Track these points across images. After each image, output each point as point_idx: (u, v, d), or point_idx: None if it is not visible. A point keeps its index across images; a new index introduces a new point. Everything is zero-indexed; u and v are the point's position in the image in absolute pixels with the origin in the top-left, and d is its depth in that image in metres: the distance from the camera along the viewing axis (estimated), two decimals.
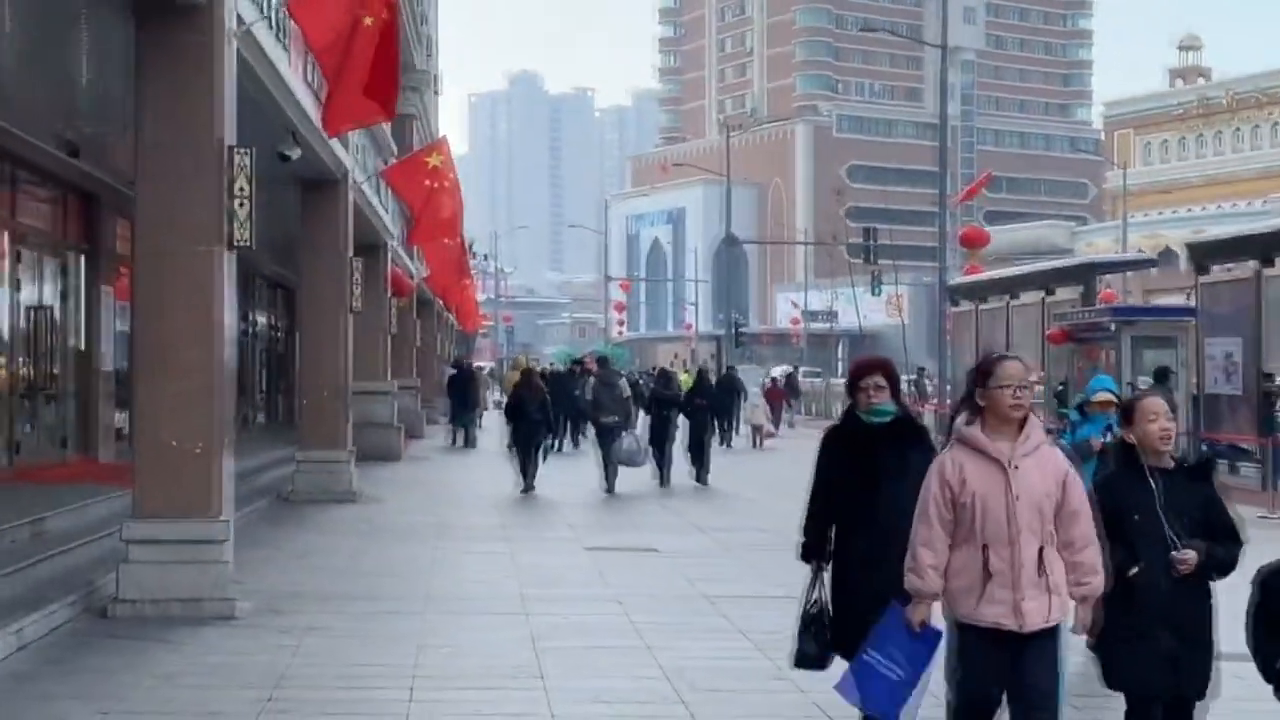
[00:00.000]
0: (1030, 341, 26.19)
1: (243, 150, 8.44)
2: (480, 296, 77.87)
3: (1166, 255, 68.76)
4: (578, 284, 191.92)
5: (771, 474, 21.75)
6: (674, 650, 7.53)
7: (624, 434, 17.18)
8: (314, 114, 12.77)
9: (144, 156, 8.37)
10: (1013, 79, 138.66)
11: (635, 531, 13.30)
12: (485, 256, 75.67)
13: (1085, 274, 24.22)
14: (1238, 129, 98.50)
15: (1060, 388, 22.17)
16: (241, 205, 8.40)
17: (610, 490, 16.94)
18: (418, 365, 32.84)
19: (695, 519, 14.38)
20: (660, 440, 18.31)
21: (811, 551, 5.57)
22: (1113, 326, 21.52)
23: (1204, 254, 20.49)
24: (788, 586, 10.08)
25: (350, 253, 15.80)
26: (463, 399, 28.06)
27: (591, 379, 19.31)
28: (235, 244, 8.44)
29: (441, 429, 32.83)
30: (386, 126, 21.15)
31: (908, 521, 4.59)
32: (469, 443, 27.04)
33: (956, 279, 32.27)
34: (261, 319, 27.58)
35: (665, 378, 20.14)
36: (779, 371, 47.35)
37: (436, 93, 41.00)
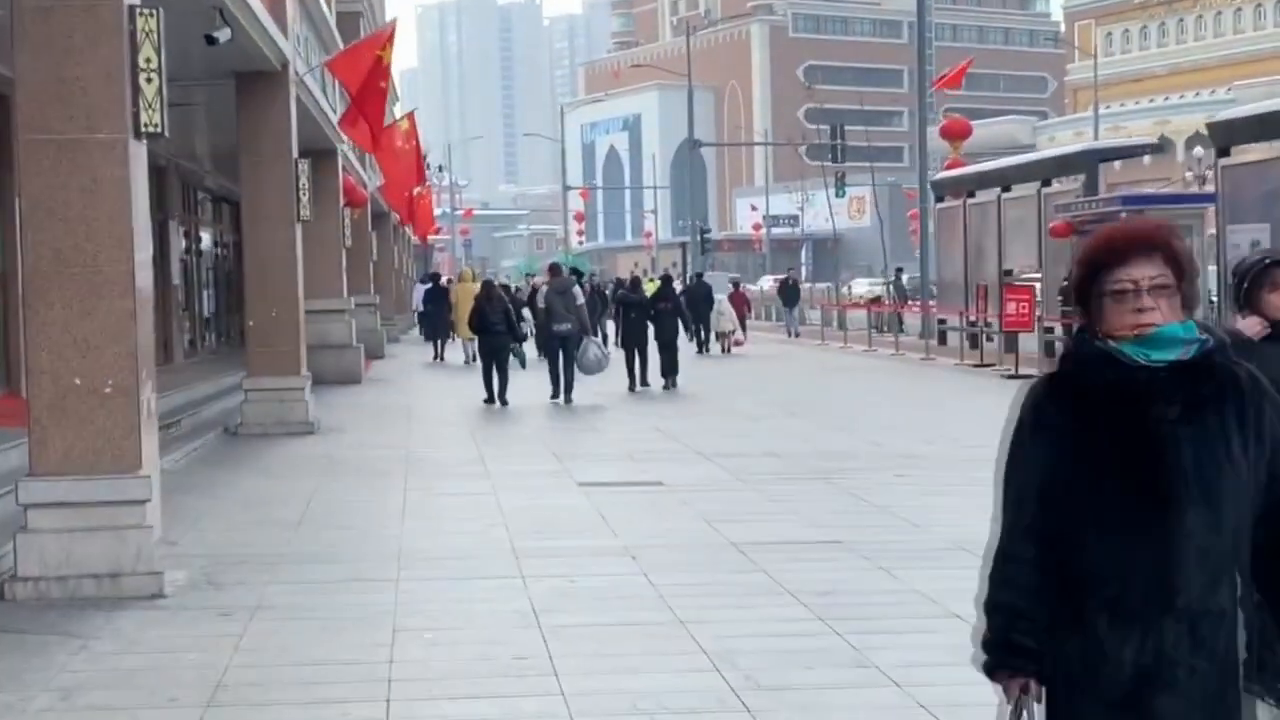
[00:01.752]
0: (1026, 236, 24.74)
1: (148, 11, 6.68)
2: (436, 210, 75.55)
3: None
4: (533, 195, 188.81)
5: (756, 384, 20.33)
6: (715, 625, 6.02)
7: (587, 342, 16.99)
8: None
9: (22, 20, 6.59)
10: None
11: (631, 461, 11.78)
12: (440, 168, 73.19)
13: (1087, 162, 22.70)
14: (1200, 16, 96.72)
15: (1066, 283, 20.80)
16: (149, 81, 6.68)
17: (568, 401, 16.73)
18: (376, 281, 31.03)
19: (694, 442, 12.88)
20: (631, 344, 19.06)
21: (1018, 654, 2.59)
22: (1123, 216, 20.05)
23: (1226, 134, 18.98)
24: (825, 528, 8.45)
25: (295, 155, 13.99)
26: (438, 314, 27.25)
27: (544, 287, 18.71)
28: (144, 130, 6.71)
29: (402, 347, 31.19)
30: (332, 19, 19.21)
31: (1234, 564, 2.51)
32: (440, 357, 26.47)
33: (939, 174, 30.67)
34: (206, 236, 25.66)
35: (635, 283, 20.97)
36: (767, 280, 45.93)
37: None
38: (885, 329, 31.10)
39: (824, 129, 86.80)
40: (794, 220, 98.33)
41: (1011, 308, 20.25)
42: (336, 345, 20.50)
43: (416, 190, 34.86)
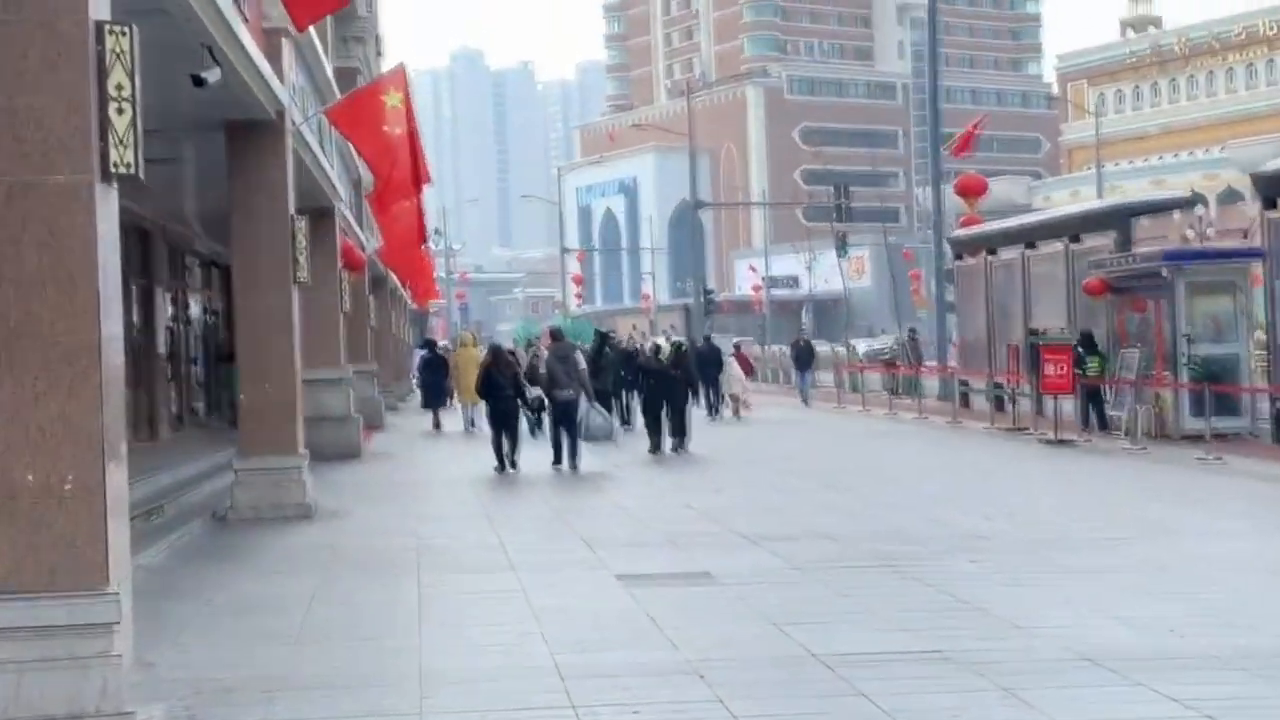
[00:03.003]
0: (1053, 295, 23.66)
1: (119, 29, 5.53)
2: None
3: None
4: (528, 259, 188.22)
5: (782, 452, 19.13)
6: None
7: (589, 409, 16.79)
8: (237, 23, 9.84)
9: None
10: (962, 34, 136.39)
11: (670, 547, 10.53)
12: (436, 231, 72.33)
13: (1118, 218, 21.64)
14: (1192, 76, 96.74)
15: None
16: (121, 112, 5.51)
17: (574, 469, 16.48)
18: (374, 348, 29.87)
19: (733, 522, 11.64)
20: (654, 409, 19.24)
21: None
22: (1164, 272, 18.99)
23: (1274, 186, 17.97)
24: (916, 633, 7.07)
25: (293, 211, 12.85)
26: (436, 382, 26.71)
27: (545, 352, 18.46)
28: (114, 170, 5.54)
29: (401, 416, 29.98)
30: (329, 69, 18.20)
31: None
32: (438, 425, 25.62)
33: (956, 231, 29.65)
34: (195, 303, 24.51)
35: (655, 349, 20.81)
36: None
37: (379, 54, 37.88)
38: (900, 391, 29.89)
39: (821, 190, 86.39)
40: (794, 281, 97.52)
41: (1050, 369, 19.09)
42: (335, 417, 19.29)
43: (427, 254, 33.74)
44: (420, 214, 19.47)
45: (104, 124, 5.48)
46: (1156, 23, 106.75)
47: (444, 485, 16.04)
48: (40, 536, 5.50)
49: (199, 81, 9.44)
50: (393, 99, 12.76)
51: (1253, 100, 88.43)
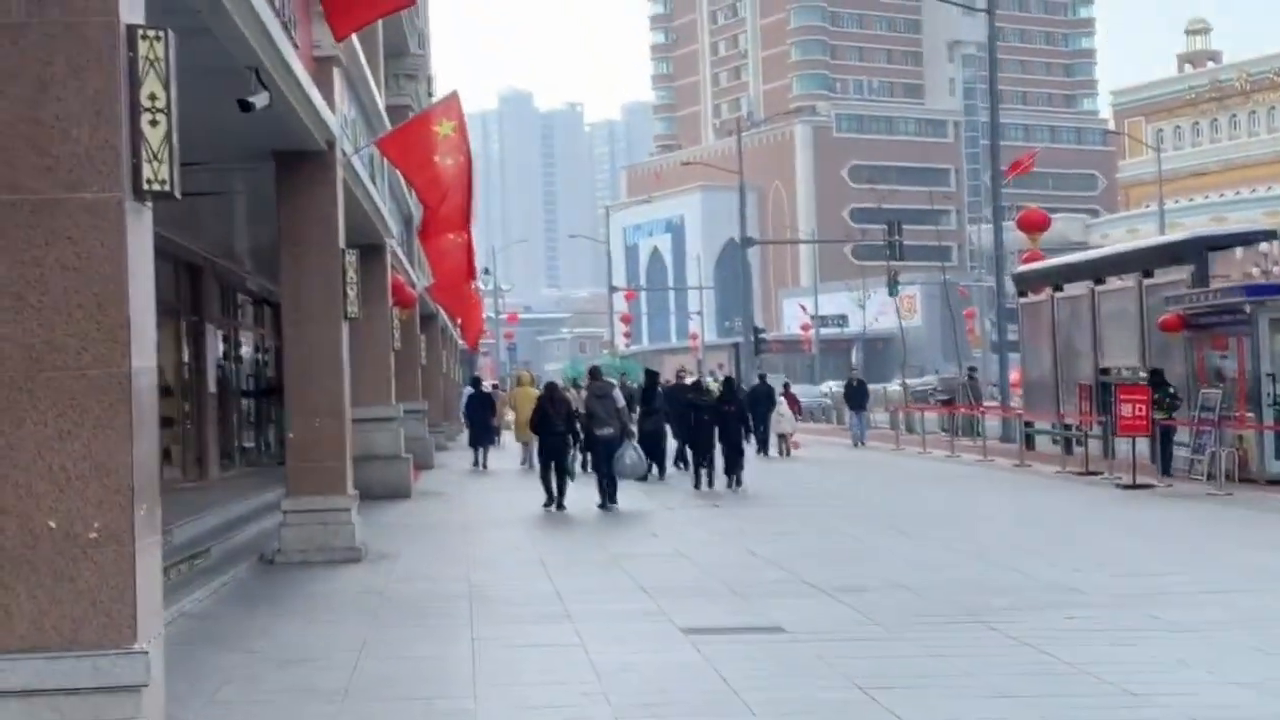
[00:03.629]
0: (1125, 332, 22.88)
1: (154, 33, 5.07)
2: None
3: None
4: (575, 299, 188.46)
5: (841, 493, 18.48)
6: None
7: (626, 446, 16.92)
8: (286, 47, 9.42)
9: None
10: (1014, 70, 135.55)
11: (736, 597, 9.90)
12: (485, 270, 72.28)
13: (1194, 251, 20.84)
14: (1253, 111, 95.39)
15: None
16: (155, 124, 5.04)
17: (612, 504, 16.59)
18: (424, 386, 29.48)
19: (800, 569, 11.00)
20: (701, 446, 19.56)
21: None
22: (1247, 308, 18.20)
23: None
24: (1022, 700, 6.42)
25: (343, 244, 12.43)
26: (482, 420, 26.66)
27: (584, 391, 18.50)
28: (147, 188, 5.06)
29: (451, 455, 29.54)
30: (381, 103, 17.87)
31: None
32: (483, 465, 25.50)
33: (1021, 267, 28.90)
34: (247, 340, 24.23)
35: (697, 385, 21.53)
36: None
37: (430, 93, 37.77)
38: (959, 432, 29.06)
39: (869, 228, 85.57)
40: (842, 320, 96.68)
41: (1127, 410, 18.29)
42: (384, 456, 18.85)
43: (476, 294, 33.47)
44: (470, 250, 19.03)
45: (135, 137, 5.01)
46: (1215, 57, 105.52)
47: (495, 526, 15.51)
48: (63, 589, 5.00)
49: (246, 106, 9.02)
50: (445, 128, 12.32)
51: None
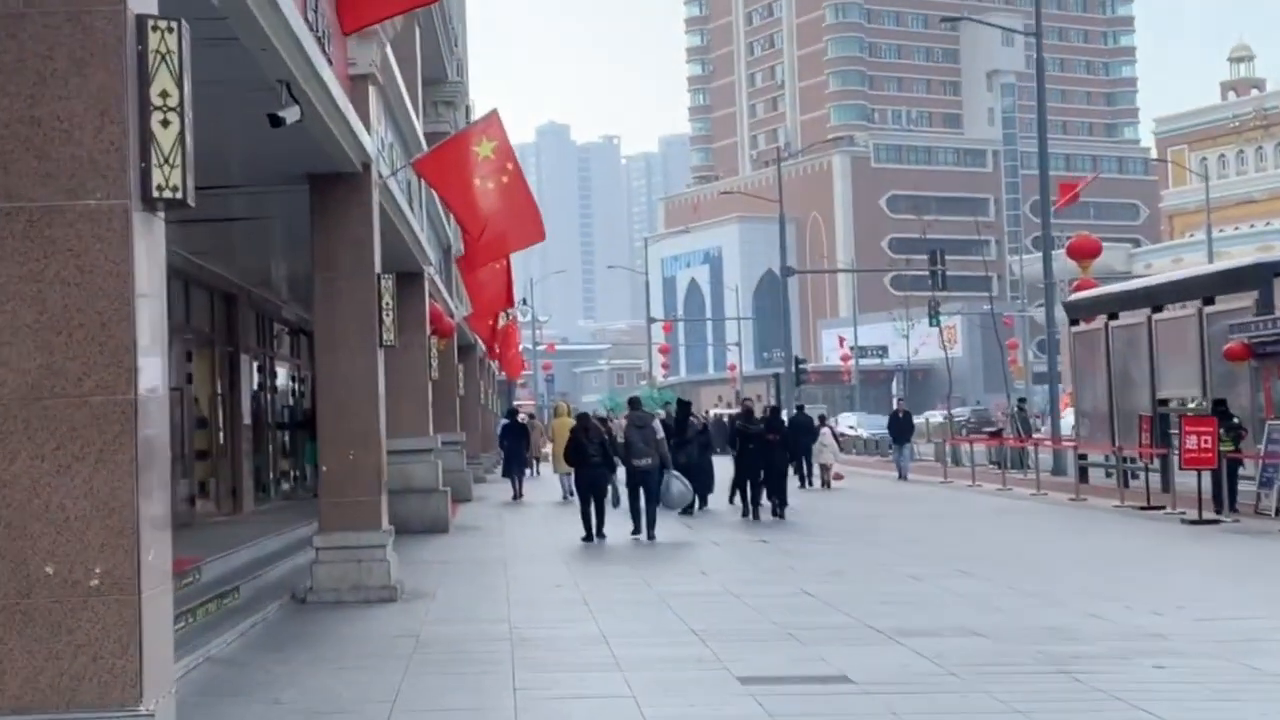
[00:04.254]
0: (1184, 361, 22.09)
1: (165, 24, 4.57)
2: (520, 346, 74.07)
3: None
4: (612, 330, 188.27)
5: (892, 529, 17.77)
6: None
7: (669, 476, 17.02)
8: (318, 59, 8.96)
9: None
10: (1054, 99, 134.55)
11: (794, 642, 9.26)
12: (524, 301, 72.00)
13: (1260, 277, 20.08)
14: None
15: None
16: (166, 124, 4.54)
17: (650, 537, 16.58)
18: (462, 417, 29.01)
19: (861, 612, 10.35)
20: (746, 474, 19.65)
21: None
22: None
23: None
24: None
25: (379, 270, 11.95)
26: (517, 451, 26.92)
27: (623, 421, 18.46)
28: (158, 195, 4.55)
29: (489, 488, 29.03)
30: (419, 127, 17.44)
31: None
32: (519, 495, 25.60)
33: (1073, 295, 28.14)
34: (283, 371, 23.85)
35: (748, 413, 20.55)
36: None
37: (468, 121, 37.52)
38: (1008, 465, 28.24)
39: (910, 257, 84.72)
40: (882, 351, 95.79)
41: (1192, 442, 17.52)
42: (421, 490, 18.34)
43: (504, 321, 33.21)
44: (509, 276, 18.56)
45: (145, 138, 4.51)
46: (1259, 85, 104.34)
47: (534, 561, 14.94)
48: (61, 642, 4.47)
49: (276, 121, 8.57)
50: (484, 148, 11.83)
51: None
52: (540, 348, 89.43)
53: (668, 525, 18.64)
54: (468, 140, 11.98)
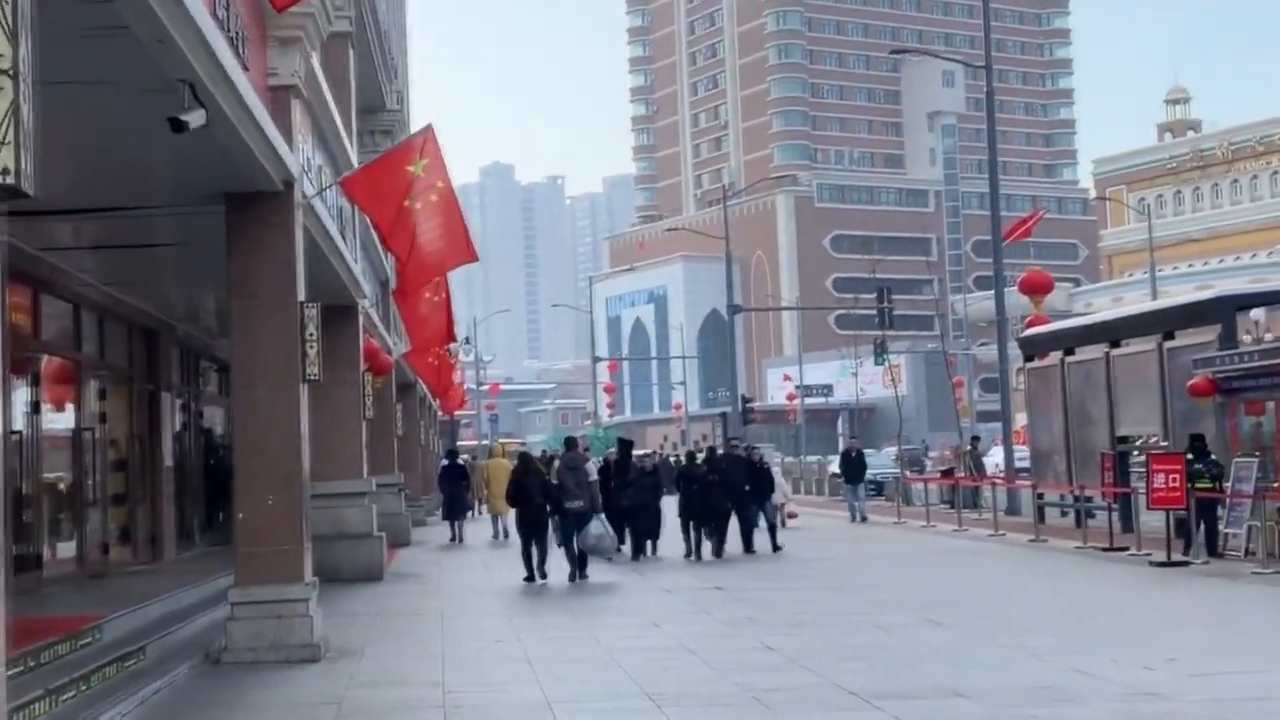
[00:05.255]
0: (1144, 397, 21.54)
1: None
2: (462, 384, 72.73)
3: None
4: (557, 370, 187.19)
5: (851, 573, 16.88)
6: None
7: (593, 519, 16.72)
8: (227, 58, 8.04)
9: None
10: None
11: (757, 705, 8.36)
12: (467, 340, 70.87)
13: (1222, 311, 19.58)
14: (1235, 180, 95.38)
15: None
16: None
17: (582, 577, 16.52)
18: (400, 458, 27.92)
19: (828, 670, 9.47)
20: (689, 515, 19.80)
21: None
22: None
23: None
24: None
25: (302, 297, 10.98)
26: (455, 492, 26.13)
27: (556, 462, 18.04)
28: None
29: (429, 530, 27.94)
30: (353, 152, 16.52)
31: None
32: (459, 538, 25.12)
33: (1026, 331, 27.61)
34: (210, 410, 22.66)
35: (690, 457, 21.69)
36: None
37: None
38: (960, 504, 27.47)
39: (852, 297, 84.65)
40: (827, 390, 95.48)
41: (1160, 480, 16.89)
42: (354, 535, 17.30)
43: (448, 355, 32.20)
44: (449, 310, 17.63)
45: None
46: (1196, 126, 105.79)
47: (474, 613, 13.94)
48: None
49: (179, 125, 7.63)
50: (417, 166, 10.94)
51: None
52: (484, 387, 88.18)
53: (618, 571, 17.75)
54: (400, 158, 11.10)
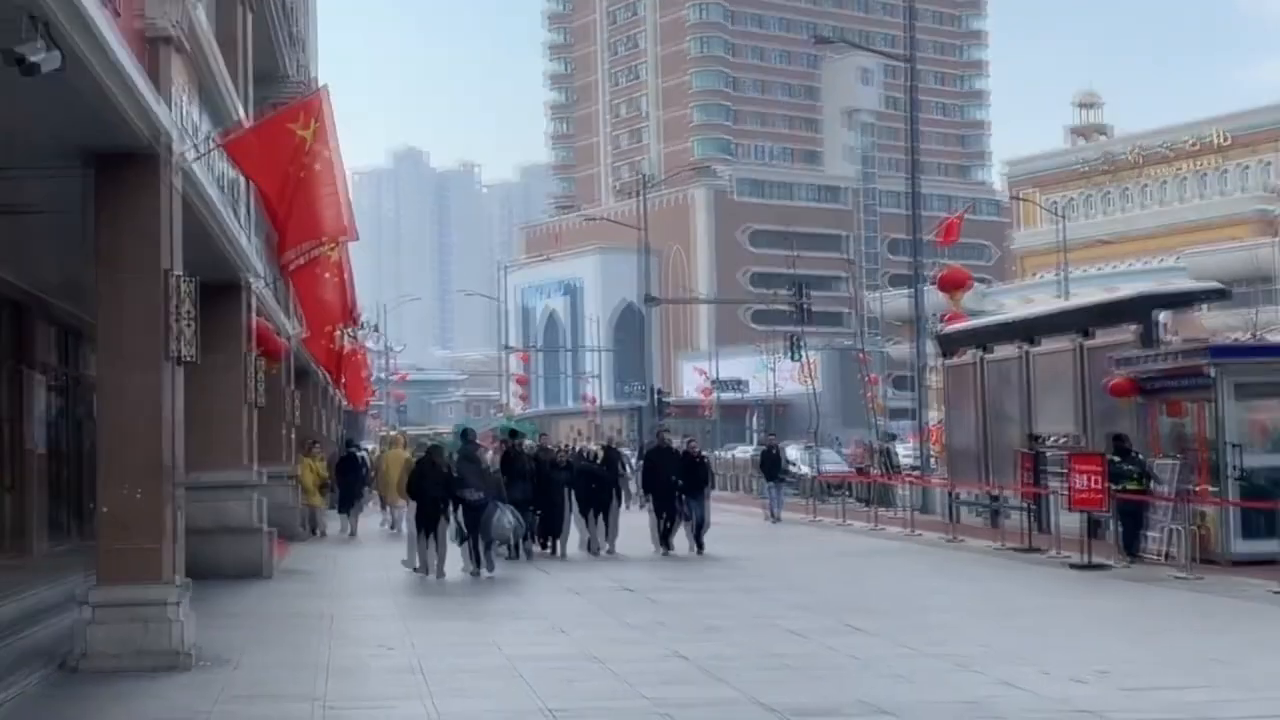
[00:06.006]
0: (1061, 396, 21.24)
1: None
2: (369, 374, 71.14)
3: None
4: (468, 361, 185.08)
5: (763, 573, 16.17)
6: None
7: (500, 509, 16.45)
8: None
9: None
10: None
11: None
12: (375, 327, 69.40)
13: (1141, 310, 19.26)
14: (1145, 185, 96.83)
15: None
16: None
17: (489, 571, 16.15)
18: (295, 449, 26.77)
19: (746, 684, 8.77)
20: (587, 509, 19.34)
21: None
22: (1210, 371, 16.54)
23: None
24: None
25: (177, 270, 10.00)
26: (349, 484, 25.43)
27: (454, 454, 17.75)
28: None
29: (327, 523, 26.83)
30: (243, 113, 15.40)
31: None
32: (353, 532, 24.13)
33: (945, 328, 27.26)
34: (90, 394, 21.35)
35: (581, 453, 21.99)
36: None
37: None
38: (873, 502, 26.99)
39: (779, 293, 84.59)
40: (742, 385, 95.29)
41: (1080, 481, 16.47)
42: (238, 530, 16.22)
43: (347, 344, 31.20)
44: (346, 289, 16.64)
45: None
46: (1106, 131, 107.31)
47: (364, 615, 13.05)
48: None
49: (24, 64, 6.66)
50: (305, 131, 10.02)
51: (1206, 209, 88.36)
52: (393, 377, 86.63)
53: (521, 570, 16.98)
54: (286, 119, 10.15)
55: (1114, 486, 16.39)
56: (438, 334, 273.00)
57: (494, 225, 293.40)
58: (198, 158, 10.66)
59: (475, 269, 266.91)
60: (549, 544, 19.10)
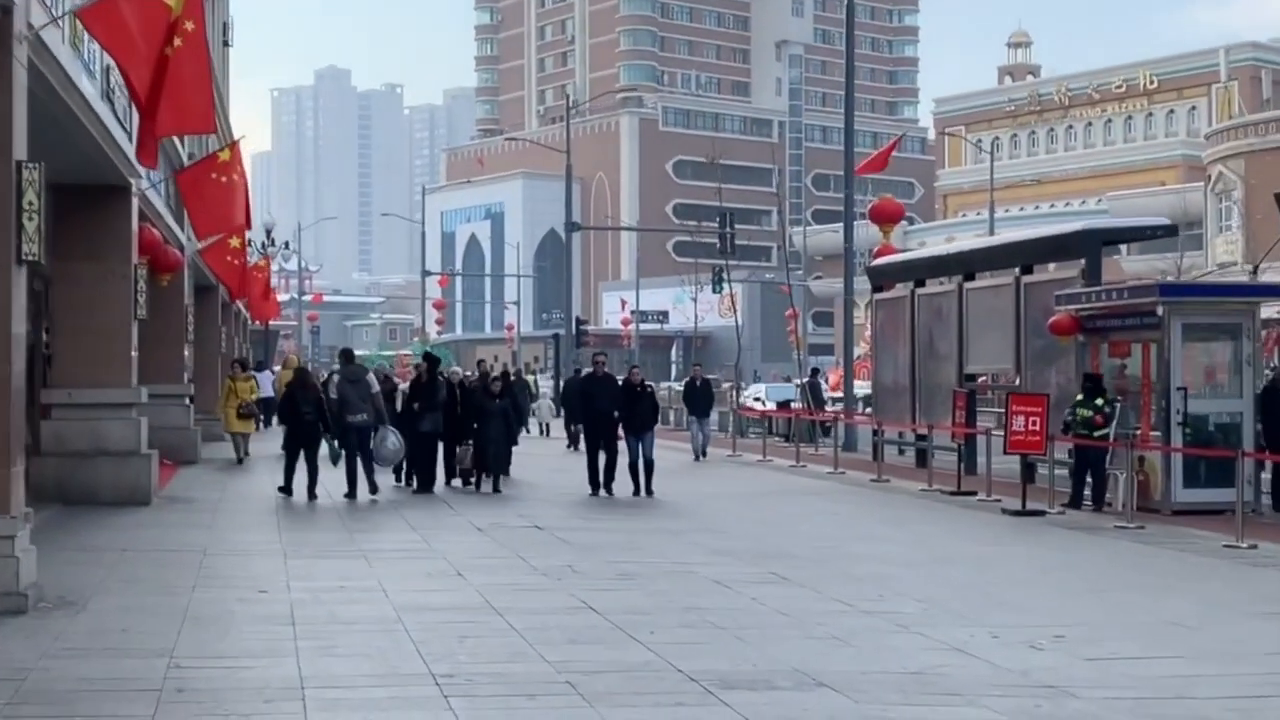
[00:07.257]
0: (996, 333, 20.41)
1: None
2: (282, 296, 69.01)
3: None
4: (387, 285, 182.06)
5: (679, 514, 15.13)
6: None
7: (385, 431, 16.29)
8: None
9: None
10: (838, 74, 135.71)
11: (572, 694, 6.55)
12: (287, 245, 67.22)
13: (1087, 245, 18.39)
14: (1071, 127, 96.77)
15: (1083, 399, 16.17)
16: None
17: (373, 492, 15.95)
18: (196, 368, 25.28)
19: (662, 645, 7.75)
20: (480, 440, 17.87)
21: None
22: (1159, 310, 15.72)
23: None
24: None
25: (20, 155, 8.60)
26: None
27: (336, 375, 17.20)
28: None
29: (221, 447, 25.44)
30: None
31: None
32: (244, 455, 22.79)
33: (875, 261, 26.32)
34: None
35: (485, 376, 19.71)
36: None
37: (226, 43, 33.25)
38: (797, 439, 26.10)
39: (699, 224, 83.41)
40: (663, 316, 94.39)
41: (1019, 423, 15.64)
42: (117, 452, 14.89)
43: (253, 259, 29.63)
44: (243, 192, 15.22)
45: None
46: (1035, 71, 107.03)
47: (243, 550, 11.84)
48: None
49: None
50: (175, 2, 8.62)
51: (1131, 152, 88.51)
52: (307, 298, 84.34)
53: (426, 505, 15.85)
54: None
55: (1084, 433, 15.52)
56: (357, 257, 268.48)
57: (417, 148, 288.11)
58: (50, 22, 9.18)
59: (397, 192, 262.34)
60: (475, 478, 17.77)
